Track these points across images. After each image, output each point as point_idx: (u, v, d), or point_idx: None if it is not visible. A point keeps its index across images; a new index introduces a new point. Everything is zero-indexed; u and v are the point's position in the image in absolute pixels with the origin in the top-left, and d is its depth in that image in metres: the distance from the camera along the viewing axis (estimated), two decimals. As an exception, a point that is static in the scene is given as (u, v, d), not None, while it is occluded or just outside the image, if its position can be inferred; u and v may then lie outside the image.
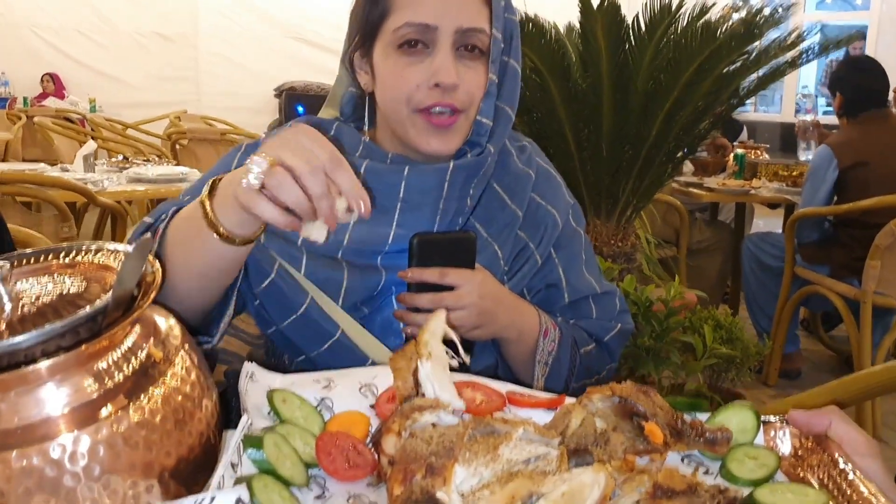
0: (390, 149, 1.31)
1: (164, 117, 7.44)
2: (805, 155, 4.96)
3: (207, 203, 0.92)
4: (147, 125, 7.19)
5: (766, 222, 6.64)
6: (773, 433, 0.84)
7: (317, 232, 0.87)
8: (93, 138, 5.74)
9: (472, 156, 1.26)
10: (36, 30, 9.89)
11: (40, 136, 6.35)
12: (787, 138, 6.55)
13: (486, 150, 1.26)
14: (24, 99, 9.30)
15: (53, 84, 9.75)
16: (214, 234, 0.92)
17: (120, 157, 4.82)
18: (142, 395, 0.67)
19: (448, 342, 0.84)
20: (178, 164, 4.73)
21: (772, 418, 0.84)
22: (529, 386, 1.30)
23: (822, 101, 10.73)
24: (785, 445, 0.83)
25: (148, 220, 1.13)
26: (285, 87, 9.95)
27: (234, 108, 9.52)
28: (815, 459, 0.79)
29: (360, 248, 1.24)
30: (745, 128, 5.95)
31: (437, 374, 0.79)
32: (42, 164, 4.23)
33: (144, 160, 4.74)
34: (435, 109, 1.20)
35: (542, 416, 0.86)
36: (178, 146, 5.55)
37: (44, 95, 9.56)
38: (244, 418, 0.76)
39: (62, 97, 9.50)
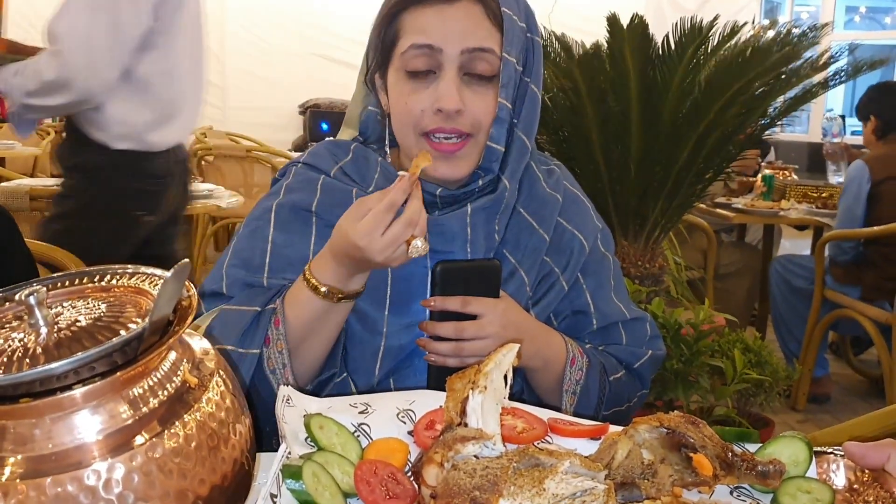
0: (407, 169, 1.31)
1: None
2: (835, 177, 4.92)
3: (324, 287, 1.14)
4: (173, 141, 7.22)
5: (794, 244, 6.57)
6: (826, 465, 0.81)
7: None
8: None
9: (483, 182, 1.25)
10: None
11: (68, 151, 6.39)
12: (815, 158, 6.53)
13: (501, 184, 1.25)
14: (54, 114, 9.37)
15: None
16: (337, 300, 1.14)
17: (147, 173, 4.83)
18: (176, 422, 0.65)
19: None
20: (203, 181, 4.74)
21: (826, 450, 0.81)
22: (559, 413, 1.28)
23: (850, 121, 10.61)
24: (839, 479, 0.80)
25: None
26: (310, 104, 10.02)
27: (258, 124, 9.55)
28: (872, 494, 0.76)
29: (403, 308, 1.25)
30: (773, 148, 5.90)
31: (486, 407, 0.77)
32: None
33: (170, 176, 4.75)
34: (439, 136, 1.20)
35: (585, 446, 0.84)
36: (203, 162, 5.57)
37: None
38: (283, 447, 0.75)
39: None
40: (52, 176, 6.53)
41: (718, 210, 4.48)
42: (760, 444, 0.82)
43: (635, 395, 1.40)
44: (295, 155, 6.15)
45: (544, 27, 2.75)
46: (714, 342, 2.54)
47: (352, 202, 1.12)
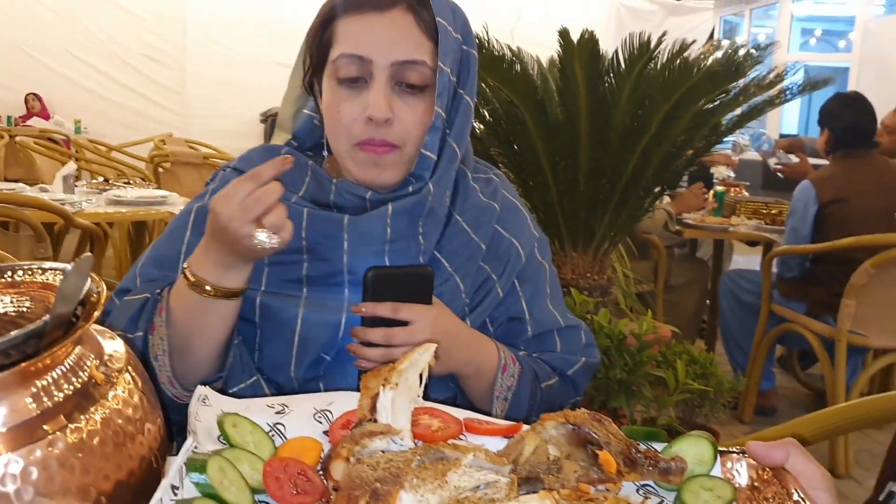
0: (343, 175, 1.31)
1: (148, 140, 7.42)
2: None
3: (193, 277, 1.11)
4: (132, 148, 7.17)
5: (746, 259, 6.66)
6: (730, 464, 0.83)
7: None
8: (75, 160, 5.72)
9: (414, 188, 1.24)
10: (26, 48, 9.87)
11: (23, 155, 6.32)
12: (769, 177, 6.67)
13: (426, 188, 1.24)
14: (9, 118, 9.26)
15: (39, 103, 9.72)
16: (212, 297, 1.11)
17: (101, 179, 4.80)
18: (80, 417, 0.65)
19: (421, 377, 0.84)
20: (158, 188, 4.71)
21: (730, 449, 0.84)
22: (490, 417, 1.30)
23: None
24: (742, 477, 0.82)
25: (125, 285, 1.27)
26: (271, 113, 9.99)
27: (220, 132, 9.51)
28: (771, 491, 0.78)
29: (322, 301, 1.24)
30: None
31: (398, 404, 0.78)
32: (21, 185, 4.20)
33: (126, 183, 4.72)
34: (368, 147, 1.21)
35: (498, 444, 0.85)
36: (160, 169, 5.53)
37: (29, 115, 9.53)
38: (189, 440, 0.75)
39: (47, 117, 9.47)
40: (6, 180, 6.45)
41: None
42: (667, 443, 0.84)
43: (568, 402, 1.41)
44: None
45: (501, 41, 2.79)
46: (659, 353, 2.57)
47: (279, 207, 1.09)
